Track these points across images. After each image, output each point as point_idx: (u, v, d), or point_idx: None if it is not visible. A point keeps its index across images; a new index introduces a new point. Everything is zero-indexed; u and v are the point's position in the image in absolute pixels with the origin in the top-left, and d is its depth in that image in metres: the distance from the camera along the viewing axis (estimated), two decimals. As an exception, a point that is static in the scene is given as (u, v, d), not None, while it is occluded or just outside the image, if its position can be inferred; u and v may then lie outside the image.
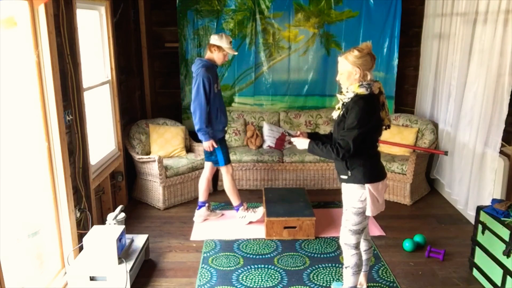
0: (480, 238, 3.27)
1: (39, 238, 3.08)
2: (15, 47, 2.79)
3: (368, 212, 2.63)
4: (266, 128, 5.28)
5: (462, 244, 3.78)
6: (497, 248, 3.03)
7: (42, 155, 3.00)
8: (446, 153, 4.49)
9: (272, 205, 4.10)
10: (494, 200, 3.27)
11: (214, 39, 3.78)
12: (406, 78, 5.58)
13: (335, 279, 3.31)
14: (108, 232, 3.14)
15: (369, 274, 3.25)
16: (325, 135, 2.89)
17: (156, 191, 4.53)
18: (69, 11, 3.23)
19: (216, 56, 3.80)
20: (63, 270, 3.23)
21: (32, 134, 2.96)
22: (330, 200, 4.75)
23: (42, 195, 3.07)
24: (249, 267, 3.48)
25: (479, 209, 3.29)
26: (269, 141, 5.21)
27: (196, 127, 3.81)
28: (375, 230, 4.08)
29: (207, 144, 3.87)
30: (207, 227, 4.16)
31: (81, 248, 3.20)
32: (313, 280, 3.29)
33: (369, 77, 2.54)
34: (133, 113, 5.09)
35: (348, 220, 2.71)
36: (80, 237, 3.28)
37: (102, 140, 4.26)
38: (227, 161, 4.03)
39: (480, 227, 3.26)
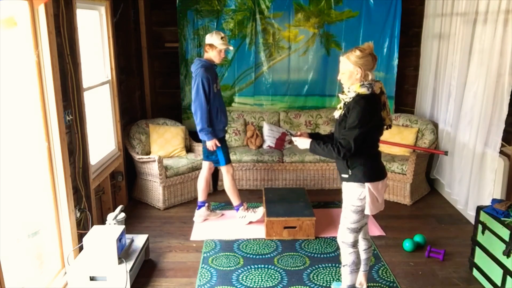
0: (480, 238, 3.27)
1: (39, 238, 3.08)
2: (15, 47, 2.79)
3: (367, 211, 2.65)
4: (266, 128, 5.28)
5: (462, 244, 3.78)
6: (497, 248, 3.03)
7: (42, 155, 3.00)
8: (446, 153, 4.49)
9: (272, 205, 4.10)
10: (494, 200, 3.27)
11: (206, 39, 3.78)
12: (406, 78, 5.58)
13: (335, 279, 3.31)
14: (108, 232, 3.14)
15: (369, 274, 3.25)
16: (326, 135, 2.90)
17: (156, 191, 4.53)
18: (69, 11, 3.23)
19: (212, 55, 3.79)
20: (63, 270, 3.23)
21: (32, 134, 2.96)
22: (330, 200, 4.75)
23: (42, 195, 3.07)
24: (249, 267, 3.48)
25: (479, 209, 3.29)
26: (269, 141, 5.21)
27: (198, 128, 3.81)
28: (375, 230, 4.08)
29: (210, 144, 3.87)
30: (207, 227, 4.16)
31: (81, 248, 3.20)
32: (313, 280, 3.29)
33: (370, 77, 2.56)
34: (133, 113, 5.09)
35: (346, 218, 2.74)
36: (80, 237, 3.28)
37: (102, 140, 4.26)
38: (228, 161, 4.03)
39: (480, 227, 3.26)
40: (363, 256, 2.97)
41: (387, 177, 2.76)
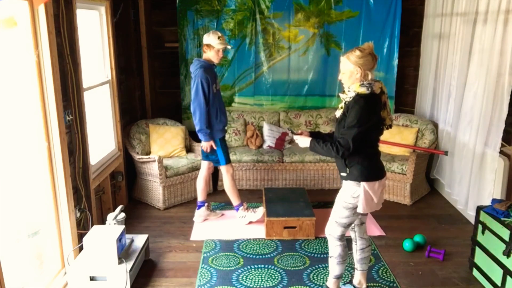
0: (480, 238, 3.27)
1: (39, 238, 3.08)
2: (15, 47, 2.79)
3: (359, 209, 2.68)
4: (266, 128, 5.28)
5: (462, 244, 3.78)
6: (497, 248, 3.03)
7: (42, 155, 3.00)
8: (446, 153, 4.49)
9: (272, 205, 4.10)
10: (494, 200, 3.27)
11: (203, 39, 3.78)
12: (406, 78, 5.58)
13: (335, 279, 3.31)
14: (108, 232, 3.14)
15: (369, 274, 3.26)
16: (327, 134, 2.93)
17: (156, 191, 4.53)
18: (69, 11, 3.23)
19: (211, 55, 3.79)
20: (63, 270, 3.23)
21: (32, 134, 2.95)
22: (330, 200, 4.69)
23: (42, 195, 3.07)
24: (249, 267, 3.48)
25: (479, 209, 3.29)
26: (269, 141, 5.21)
27: (197, 128, 3.81)
28: (375, 230, 4.08)
29: (205, 145, 3.87)
30: (207, 227, 4.16)
31: (81, 248, 3.20)
32: (313, 280, 3.29)
33: (370, 77, 2.58)
34: (133, 113, 5.09)
35: (336, 212, 2.80)
36: (80, 237, 3.28)
37: (102, 140, 4.26)
38: (228, 161, 4.03)
39: (480, 227, 3.26)
40: (360, 255, 2.99)
41: (386, 177, 2.77)
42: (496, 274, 3.03)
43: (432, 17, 5.08)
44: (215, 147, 3.92)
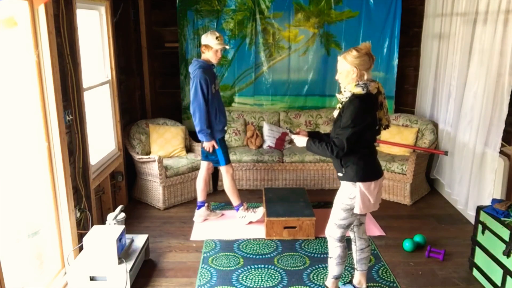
0: (480, 238, 3.27)
1: (39, 238, 3.08)
2: (15, 47, 2.79)
3: (356, 210, 2.69)
4: (266, 128, 5.28)
5: (462, 244, 3.78)
6: (497, 248, 3.03)
7: (42, 155, 3.00)
8: (446, 153, 4.49)
9: (272, 205, 4.10)
10: (494, 200, 3.27)
11: (202, 40, 3.77)
12: (406, 78, 5.58)
13: (335, 279, 3.31)
14: (108, 232, 3.14)
15: (369, 274, 3.26)
16: (325, 134, 2.93)
17: (156, 191, 4.53)
18: (69, 11, 3.23)
19: (209, 55, 3.78)
20: (63, 270, 3.23)
21: (32, 134, 2.95)
22: (330, 200, 4.67)
23: (42, 195, 3.07)
24: (249, 267, 3.48)
25: (479, 209, 3.29)
26: (269, 141, 5.21)
27: (197, 129, 3.81)
28: (375, 230, 4.08)
29: (208, 145, 3.87)
30: (207, 227, 4.16)
31: (81, 248, 3.20)
32: (313, 280, 3.29)
33: (366, 77, 2.59)
34: (133, 113, 5.09)
35: (334, 213, 2.81)
36: (80, 237, 3.28)
37: (102, 140, 4.26)
38: (227, 161, 4.03)
39: (480, 227, 3.26)
40: (360, 255, 2.99)
41: (383, 178, 2.78)
42: (496, 274, 3.03)
43: (432, 17, 5.08)
44: (217, 147, 3.92)
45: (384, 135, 4.99)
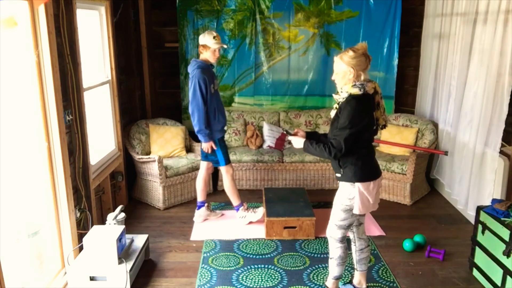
0: (480, 238, 3.27)
1: (39, 238, 3.08)
2: (15, 47, 2.79)
3: (355, 210, 2.69)
4: (266, 128, 5.28)
5: (462, 244, 3.78)
6: (497, 248, 3.03)
7: (42, 155, 3.00)
8: (446, 153, 4.49)
9: (272, 205, 4.10)
10: (494, 200, 3.27)
11: (199, 40, 3.77)
12: (406, 78, 5.58)
13: (335, 279, 3.30)
14: (108, 232, 3.14)
15: (369, 274, 3.25)
16: (323, 134, 2.92)
17: (156, 191, 4.53)
18: (69, 11, 3.23)
19: (207, 55, 3.77)
20: (63, 270, 3.23)
21: (32, 134, 2.95)
22: (330, 200, 4.67)
23: (42, 195, 3.07)
24: (249, 267, 3.48)
25: (479, 209, 3.29)
26: (269, 141, 5.21)
27: (196, 129, 3.80)
28: (375, 230, 4.08)
29: (206, 146, 3.87)
30: (207, 227, 4.16)
31: (81, 248, 3.20)
32: (313, 280, 3.29)
33: (362, 77, 2.59)
34: (133, 113, 5.09)
35: (334, 214, 2.81)
36: (80, 237, 3.28)
37: (102, 140, 4.26)
38: (227, 161, 4.03)
39: (480, 227, 3.26)
40: (359, 256, 2.99)
41: (382, 178, 2.77)
42: (496, 274, 3.03)
43: (432, 17, 5.08)
44: (215, 148, 3.92)
45: (384, 135, 5.00)
